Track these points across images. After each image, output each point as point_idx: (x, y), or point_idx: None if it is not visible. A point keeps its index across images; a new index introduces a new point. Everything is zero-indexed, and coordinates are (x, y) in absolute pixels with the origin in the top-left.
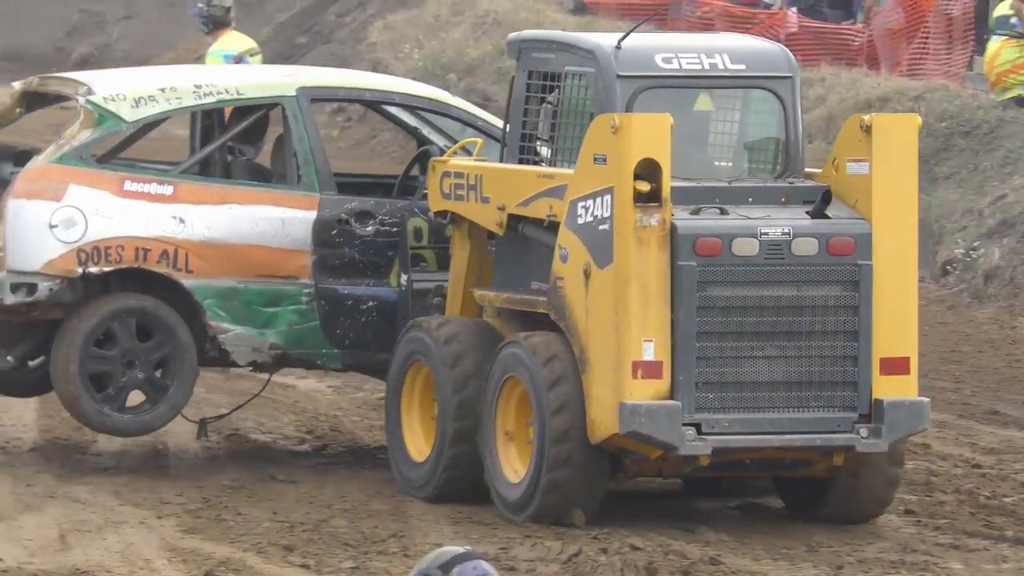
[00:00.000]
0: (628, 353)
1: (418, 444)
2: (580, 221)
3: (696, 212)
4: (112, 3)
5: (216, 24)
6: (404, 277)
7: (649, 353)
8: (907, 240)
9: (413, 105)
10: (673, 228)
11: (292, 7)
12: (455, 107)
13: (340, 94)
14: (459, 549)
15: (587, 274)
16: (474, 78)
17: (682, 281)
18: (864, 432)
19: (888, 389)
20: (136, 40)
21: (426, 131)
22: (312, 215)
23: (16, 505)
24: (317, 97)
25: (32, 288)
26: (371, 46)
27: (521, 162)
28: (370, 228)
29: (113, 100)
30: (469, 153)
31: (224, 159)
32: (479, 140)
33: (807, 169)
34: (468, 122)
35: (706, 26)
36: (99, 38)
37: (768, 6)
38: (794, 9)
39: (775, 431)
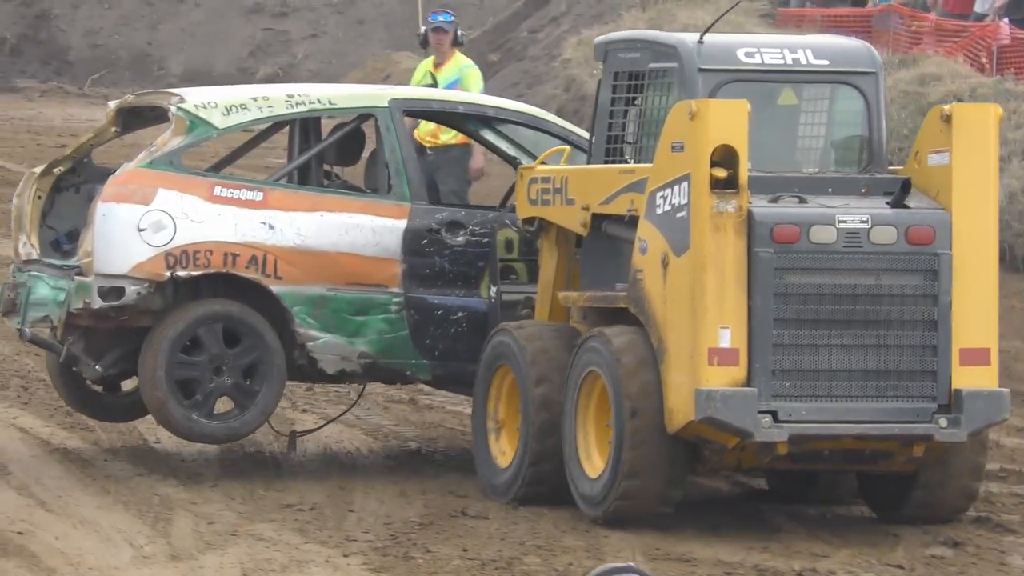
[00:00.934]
0: (704, 340)
1: (504, 451)
2: (659, 211)
3: (774, 200)
4: (298, 21)
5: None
6: (494, 289)
7: (725, 340)
8: (987, 229)
9: (506, 119)
10: (750, 215)
11: (483, 24)
12: (550, 122)
13: (433, 106)
14: (620, 564)
15: (665, 263)
16: None
17: (759, 268)
18: (943, 422)
19: (967, 379)
20: (322, 59)
21: (525, 160)
22: (402, 224)
23: (197, 544)
24: (409, 109)
25: (120, 292)
26: (565, 63)
27: (608, 163)
28: (461, 238)
29: (204, 108)
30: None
31: (319, 176)
32: (567, 147)
33: (891, 167)
34: (563, 137)
35: (914, 41)
36: (284, 58)
37: (980, 18)
38: (1007, 20)
39: (852, 419)
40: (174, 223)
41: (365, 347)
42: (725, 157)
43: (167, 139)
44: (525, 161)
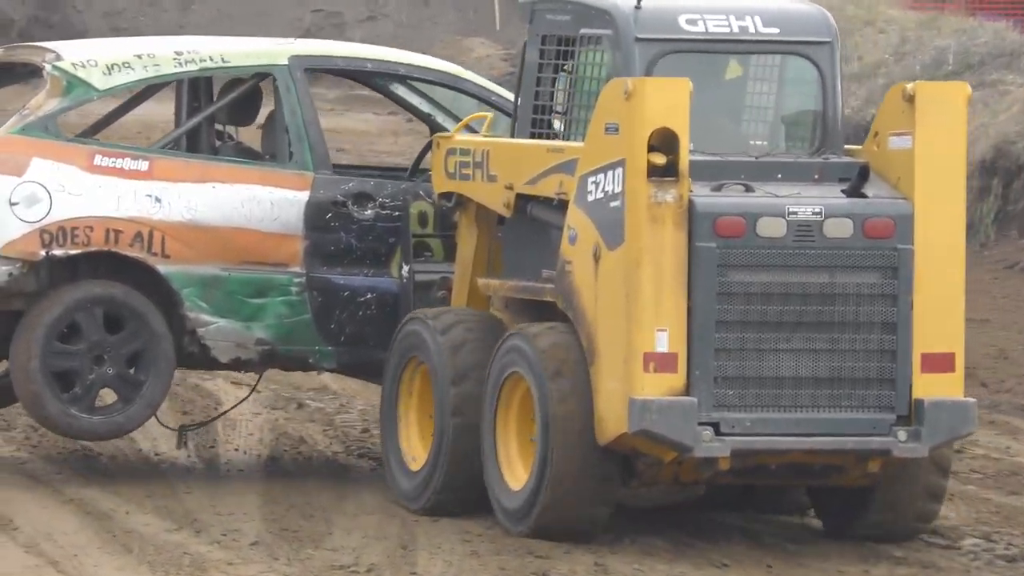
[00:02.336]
0: (639, 344)
1: (416, 451)
2: (590, 198)
3: (718, 188)
4: (353, 2)
5: None
6: (406, 268)
7: (662, 344)
8: (953, 222)
9: (419, 77)
10: (691, 205)
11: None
12: (467, 80)
13: (338, 63)
14: None
15: (596, 257)
16: None
17: (700, 264)
18: (902, 435)
19: (930, 388)
20: (382, 44)
21: (440, 118)
22: (304, 196)
23: None
24: (312, 67)
25: None
26: None
27: (533, 137)
28: (369, 212)
29: (83, 67)
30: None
31: (211, 139)
32: (488, 114)
33: (847, 146)
34: (483, 98)
35: None
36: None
37: None
38: None
39: (802, 432)
40: (50, 196)
41: (263, 333)
42: (664, 141)
43: (41, 101)
44: (443, 120)
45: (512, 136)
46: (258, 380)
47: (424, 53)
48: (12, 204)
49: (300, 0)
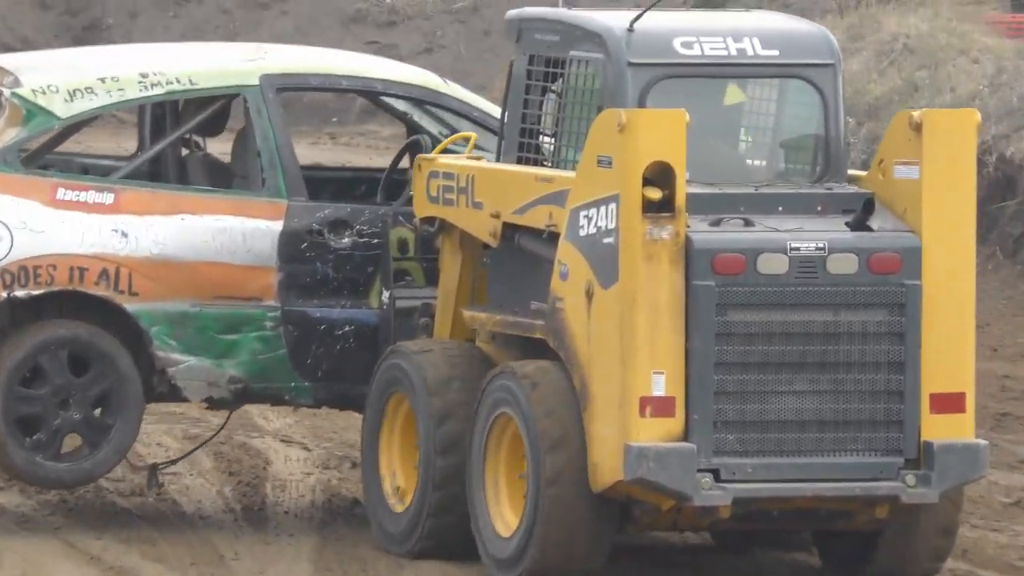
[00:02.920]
0: (635, 387)
1: (398, 489)
2: (582, 233)
3: (716, 223)
4: (409, 33)
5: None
6: (386, 293)
7: (659, 387)
8: (962, 256)
9: (397, 94)
10: (688, 242)
11: None
12: (447, 95)
13: (312, 82)
14: None
15: (589, 295)
16: (878, 122)
17: (698, 304)
18: (911, 480)
19: (939, 430)
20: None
21: (418, 115)
22: (278, 225)
23: None
24: (285, 86)
25: None
26: None
27: (520, 161)
28: (346, 240)
29: (44, 93)
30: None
31: (178, 156)
32: (472, 134)
33: (851, 172)
34: (463, 113)
35: None
36: None
37: None
38: None
39: (806, 478)
40: (10, 234)
41: (236, 370)
42: (659, 175)
43: (0, 131)
44: (420, 119)
45: (498, 157)
46: (228, 417)
47: (485, 88)
48: None
49: (352, 31)
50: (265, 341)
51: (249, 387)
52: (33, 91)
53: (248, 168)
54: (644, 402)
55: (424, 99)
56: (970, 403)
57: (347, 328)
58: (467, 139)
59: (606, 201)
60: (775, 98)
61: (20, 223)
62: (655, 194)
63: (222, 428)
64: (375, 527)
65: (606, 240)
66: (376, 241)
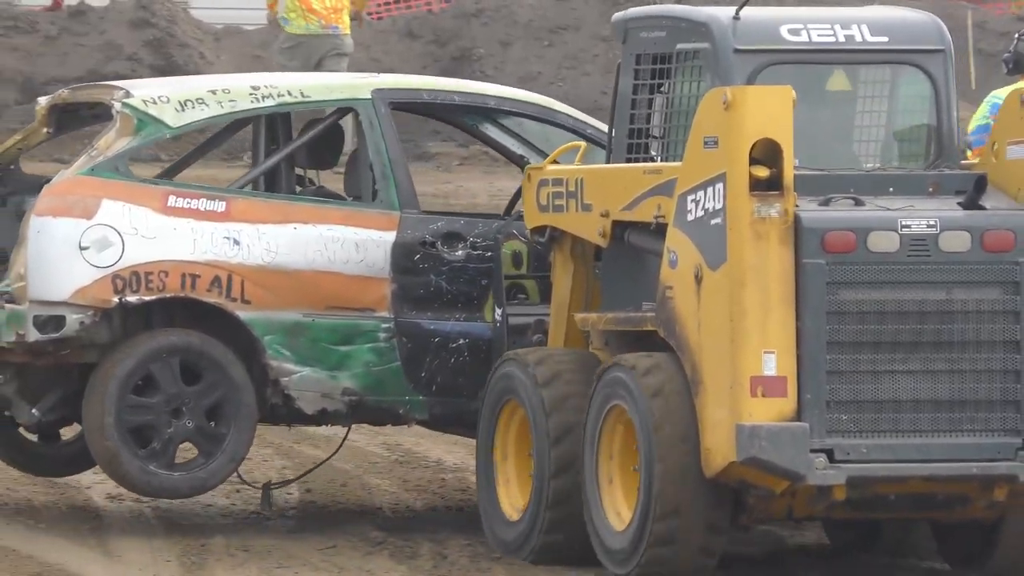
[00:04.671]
0: (746, 368)
1: (515, 498)
2: (690, 218)
3: (826, 203)
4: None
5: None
6: (499, 311)
7: (770, 367)
8: None
9: (509, 110)
10: (797, 220)
11: None
12: (561, 113)
13: (424, 96)
14: None
15: (698, 278)
16: None
17: (808, 282)
18: None
19: None
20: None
21: (534, 160)
22: (391, 237)
23: None
24: (396, 100)
25: (59, 322)
26: None
27: (629, 162)
28: (460, 252)
29: (155, 103)
30: None
31: (290, 183)
32: (582, 143)
33: (965, 160)
34: (576, 130)
35: None
36: None
37: None
38: None
39: (922, 458)
40: (122, 240)
41: (350, 382)
42: (767, 153)
43: (111, 141)
44: (535, 160)
45: (607, 160)
46: (347, 434)
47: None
48: (82, 248)
49: (434, 55)
50: (379, 353)
51: (363, 400)
52: (144, 101)
53: (360, 183)
54: (755, 382)
55: (537, 116)
56: None
57: (461, 341)
58: (576, 148)
59: (713, 182)
60: (885, 84)
61: (131, 229)
62: (762, 172)
63: (339, 448)
64: (490, 535)
65: (714, 221)
66: (490, 254)
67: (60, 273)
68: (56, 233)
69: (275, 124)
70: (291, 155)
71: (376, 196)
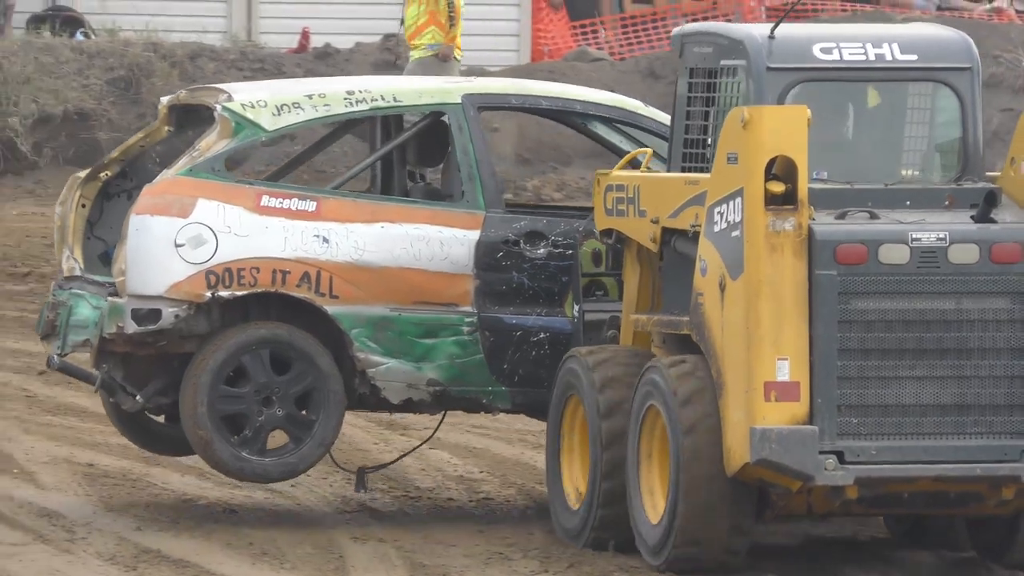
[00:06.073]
0: (760, 373)
1: (577, 489)
2: (716, 229)
3: (841, 216)
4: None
5: None
6: (577, 307)
7: (784, 373)
8: None
9: (598, 115)
10: (811, 233)
11: None
12: (646, 117)
13: (512, 101)
14: None
15: (722, 287)
16: None
17: (821, 292)
18: None
19: None
20: None
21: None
22: (475, 235)
23: None
24: (485, 105)
25: (156, 315)
26: None
27: (684, 171)
28: (542, 250)
29: (252, 107)
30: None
31: (404, 187)
32: (649, 149)
33: (989, 173)
34: (661, 134)
35: None
36: None
37: None
38: None
39: (929, 459)
40: (216, 237)
41: (434, 373)
42: (783, 169)
43: (211, 143)
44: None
45: (668, 168)
46: (441, 419)
47: None
48: (178, 246)
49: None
50: (462, 345)
51: (448, 390)
52: (243, 105)
53: (452, 184)
54: (769, 387)
55: (623, 120)
56: None
57: (542, 335)
58: (645, 154)
59: (733, 196)
60: (914, 102)
61: (225, 227)
62: (778, 187)
63: (434, 434)
64: (555, 522)
65: (734, 233)
66: (570, 252)
67: (157, 269)
68: (153, 231)
69: (388, 126)
70: (403, 156)
71: (463, 195)
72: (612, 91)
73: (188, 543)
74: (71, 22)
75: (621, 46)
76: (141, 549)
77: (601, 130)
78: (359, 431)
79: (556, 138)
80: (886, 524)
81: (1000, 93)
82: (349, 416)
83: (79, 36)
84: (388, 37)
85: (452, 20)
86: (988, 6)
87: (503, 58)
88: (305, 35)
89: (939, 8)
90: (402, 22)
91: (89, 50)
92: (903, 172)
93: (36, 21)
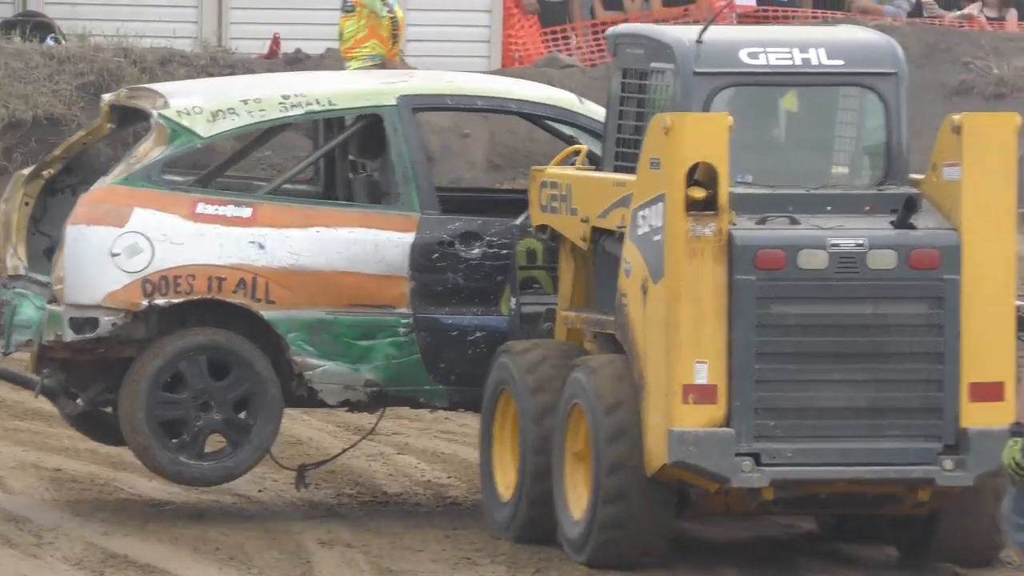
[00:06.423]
0: (679, 376)
1: (507, 482)
2: (639, 232)
3: (762, 221)
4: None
5: None
6: (513, 300)
7: (702, 376)
8: (1002, 251)
9: (531, 112)
10: (731, 239)
11: None
12: (581, 115)
13: (447, 102)
14: None
15: (645, 290)
16: None
17: (740, 297)
18: (948, 464)
19: (977, 417)
20: None
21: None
22: (410, 237)
23: None
24: (421, 106)
25: (94, 323)
26: None
27: (616, 171)
28: (477, 251)
29: (188, 114)
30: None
31: (346, 178)
32: (583, 147)
33: (914, 176)
34: (597, 131)
35: None
36: None
37: None
38: None
39: (845, 462)
40: (151, 246)
41: (372, 374)
42: (706, 175)
43: (147, 150)
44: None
45: (602, 169)
46: (379, 417)
47: None
48: (113, 255)
49: (959, 106)
50: (399, 346)
51: (385, 390)
52: (178, 112)
53: (388, 184)
54: (687, 390)
55: (558, 117)
56: (1009, 392)
57: (478, 334)
58: (578, 152)
59: (656, 201)
60: (838, 106)
61: (160, 236)
62: (699, 193)
63: (371, 431)
64: (486, 512)
65: (656, 238)
66: (505, 252)
67: (93, 278)
68: (90, 240)
69: (331, 128)
70: (343, 153)
71: (398, 198)
72: (584, 97)
73: (155, 548)
74: (41, 27)
75: (592, 52)
76: (108, 554)
77: (552, 127)
78: (326, 434)
79: (528, 143)
80: (815, 519)
81: (971, 100)
82: (313, 416)
83: (49, 41)
84: None
85: (396, 37)
86: (958, 13)
87: (474, 64)
88: (276, 41)
89: (909, 15)
90: (340, 35)
91: (60, 55)
92: (831, 176)
93: (6, 26)
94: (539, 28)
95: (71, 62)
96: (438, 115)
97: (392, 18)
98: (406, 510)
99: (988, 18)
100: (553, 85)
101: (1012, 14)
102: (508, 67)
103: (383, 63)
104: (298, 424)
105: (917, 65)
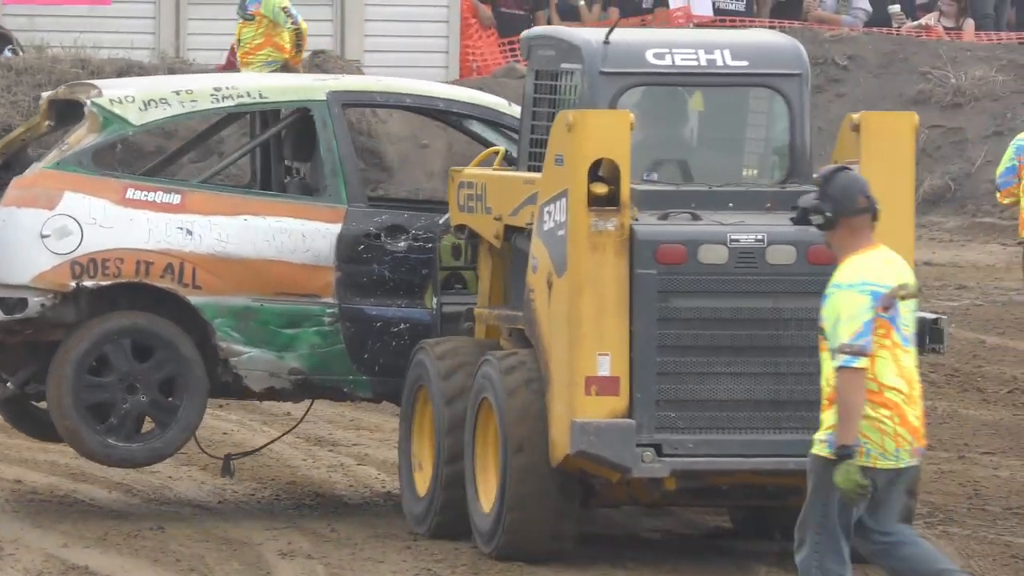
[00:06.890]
0: (581, 368)
1: (425, 478)
2: (545, 227)
3: (664, 217)
4: (976, 115)
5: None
6: (436, 300)
7: (604, 368)
8: (901, 248)
9: (458, 112)
10: (632, 233)
11: None
12: (508, 116)
13: (377, 99)
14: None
15: (550, 284)
16: None
17: (641, 291)
18: None
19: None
20: None
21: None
22: (337, 228)
23: None
24: (350, 102)
25: (23, 304)
26: None
27: (530, 170)
28: (402, 244)
29: (120, 103)
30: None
31: (280, 181)
32: (501, 148)
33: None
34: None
35: None
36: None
37: None
38: None
39: (745, 453)
40: (81, 228)
41: (296, 362)
42: (609, 172)
43: (80, 137)
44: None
45: (518, 168)
46: (308, 408)
47: None
48: (43, 236)
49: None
50: (323, 336)
51: (309, 379)
52: (111, 100)
53: (317, 178)
54: (590, 381)
55: (485, 117)
56: None
57: (402, 326)
58: (496, 153)
59: (560, 197)
60: (743, 106)
61: (90, 219)
62: (601, 189)
63: (301, 421)
64: (406, 511)
65: (560, 232)
66: (431, 245)
67: (23, 259)
68: (20, 222)
69: (267, 122)
70: (277, 150)
71: (325, 190)
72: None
73: (115, 559)
74: None
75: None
76: (68, 565)
77: (476, 127)
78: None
79: None
80: (729, 514)
81: (928, 109)
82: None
83: (7, 53)
84: (317, 53)
85: (299, 47)
86: (916, 23)
87: (432, 74)
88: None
89: (866, 24)
90: (238, 42)
91: (17, 66)
92: (737, 174)
93: None
94: (497, 39)
95: (29, 73)
96: (397, 124)
97: (296, 29)
98: (366, 521)
99: (945, 28)
100: (511, 95)
101: (969, 24)
102: (466, 77)
103: (285, 67)
104: (222, 421)
105: (875, 75)
